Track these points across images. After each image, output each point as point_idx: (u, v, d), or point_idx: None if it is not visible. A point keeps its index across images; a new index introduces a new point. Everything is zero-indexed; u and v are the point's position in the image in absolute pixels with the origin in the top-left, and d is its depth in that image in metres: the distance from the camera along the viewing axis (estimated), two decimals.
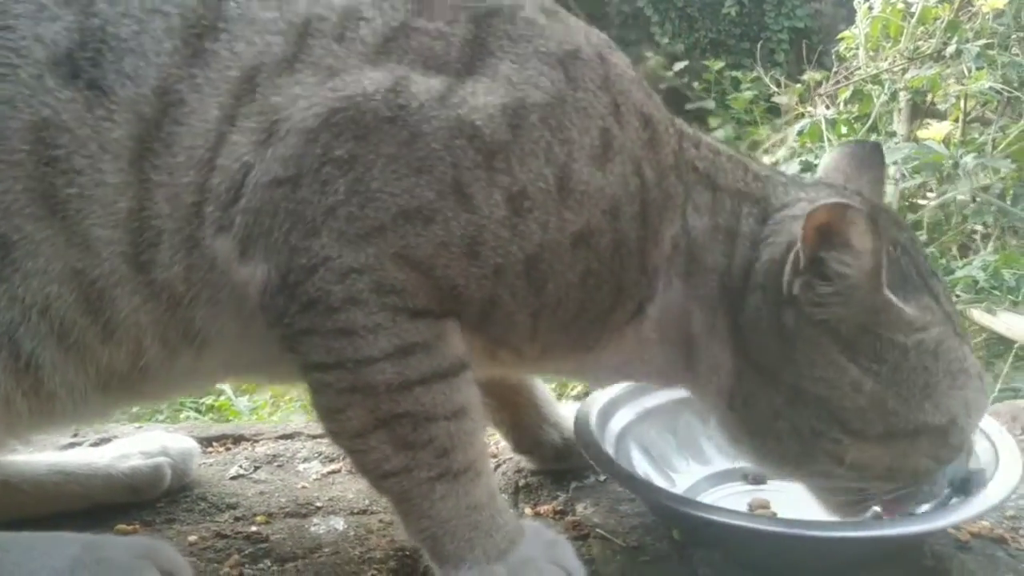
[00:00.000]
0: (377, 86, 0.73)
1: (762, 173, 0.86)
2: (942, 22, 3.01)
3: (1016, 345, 1.93)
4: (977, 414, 0.83)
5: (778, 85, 4.72)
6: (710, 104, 7.02)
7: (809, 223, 0.72)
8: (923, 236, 2.57)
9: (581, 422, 0.96)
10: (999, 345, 2.02)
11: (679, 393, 1.07)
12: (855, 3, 3.35)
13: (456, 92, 0.74)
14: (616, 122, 0.78)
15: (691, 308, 0.82)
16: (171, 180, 0.72)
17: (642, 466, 1.01)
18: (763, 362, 0.79)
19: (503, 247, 0.74)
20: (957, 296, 2.12)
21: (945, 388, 0.79)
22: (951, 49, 2.88)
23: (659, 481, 1.00)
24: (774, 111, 5.50)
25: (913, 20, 3.11)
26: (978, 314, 2.05)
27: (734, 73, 6.89)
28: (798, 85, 4.70)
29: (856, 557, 0.84)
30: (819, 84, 4.19)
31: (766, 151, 4.31)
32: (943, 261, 2.40)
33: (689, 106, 7.07)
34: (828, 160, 1.00)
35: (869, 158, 0.96)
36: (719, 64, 7.02)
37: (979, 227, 2.72)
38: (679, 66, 7.35)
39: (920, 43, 3.08)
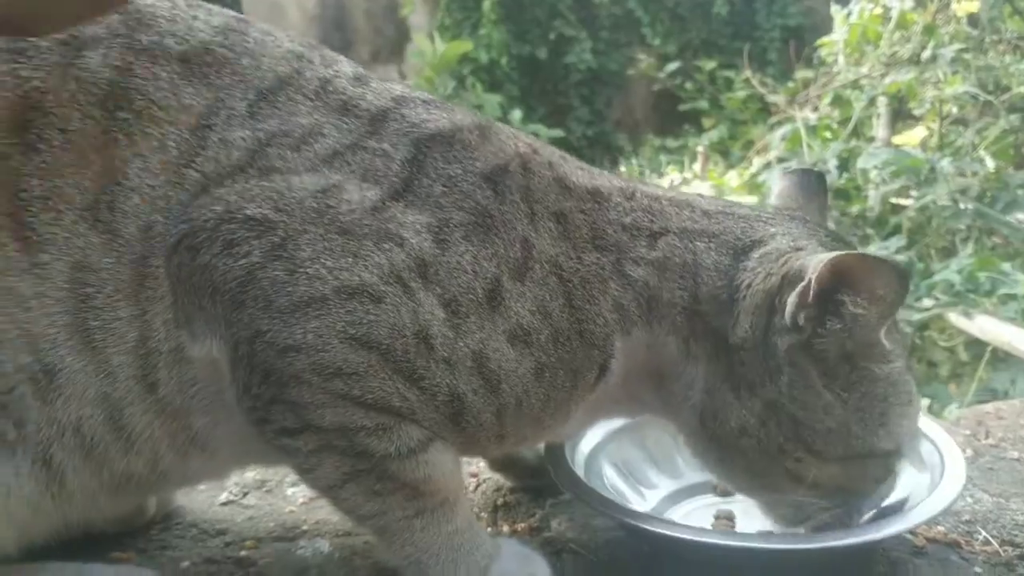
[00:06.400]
0: (307, 185, 0.77)
1: (712, 209, 0.90)
2: (919, 27, 3.05)
3: (990, 348, 1.97)
4: (914, 442, 0.89)
5: (765, 86, 4.75)
6: (703, 104, 7.05)
7: (828, 265, 0.77)
8: (904, 239, 2.61)
9: (551, 444, 1.01)
10: (976, 348, 2.06)
11: None
12: (831, 10, 3.39)
13: (388, 208, 0.78)
14: (533, 230, 0.82)
15: (656, 344, 0.86)
16: (159, 304, 0.77)
17: (614, 483, 1.05)
18: (743, 380, 0.83)
19: (449, 343, 0.78)
20: (936, 299, 2.16)
21: (897, 417, 0.84)
22: (927, 54, 2.92)
23: (631, 496, 1.04)
24: (768, 110, 5.54)
25: (891, 25, 3.15)
26: (955, 317, 2.10)
27: (726, 73, 6.91)
28: (790, 84, 4.73)
29: (813, 567, 0.88)
30: (808, 84, 4.23)
31: (758, 152, 4.34)
32: (922, 264, 2.45)
33: (682, 107, 7.13)
34: (779, 187, 1.04)
35: (815, 186, 1.01)
36: (711, 64, 7.04)
37: (961, 227, 2.76)
38: (671, 67, 7.38)
39: (897, 48, 3.13)
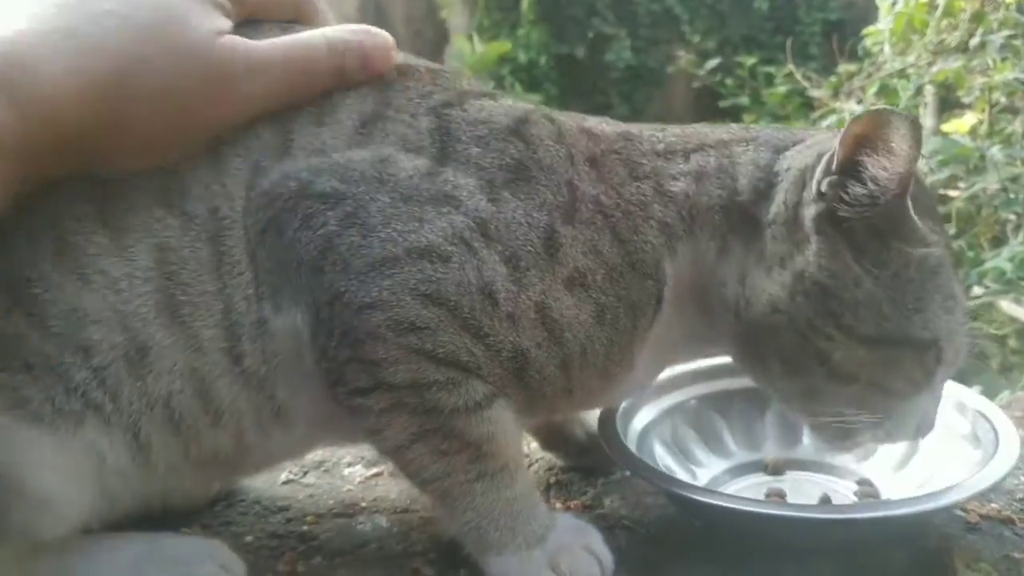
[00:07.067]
0: (364, 157, 0.82)
1: (749, 128, 0.95)
2: (967, 14, 3.02)
3: None
4: (957, 350, 0.88)
5: (809, 80, 4.71)
6: (744, 100, 7.00)
7: (851, 129, 0.79)
8: (953, 228, 2.59)
9: (604, 420, 1.03)
10: None
11: (700, 390, 1.14)
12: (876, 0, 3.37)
13: (440, 173, 0.82)
14: (574, 170, 0.86)
15: (699, 254, 0.89)
16: (238, 279, 0.82)
17: (665, 461, 1.07)
18: (773, 257, 0.86)
19: (512, 298, 0.81)
20: (986, 287, 2.14)
21: (936, 308, 0.84)
22: (975, 41, 2.89)
23: (681, 475, 1.06)
24: (810, 105, 5.49)
25: (938, 13, 3.12)
26: (1006, 305, 2.08)
27: (767, 69, 6.86)
28: (832, 78, 4.70)
29: (861, 537, 0.89)
30: (851, 77, 4.19)
31: None
32: (972, 253, 2.42)
33: (723, 103, 7.08)
34: None
35: None
36: (752, 60, 6.99)
37: (1012, 216, 2.73)
38: (711, 64, 7.34)
39: (945, 36, 3.10)
